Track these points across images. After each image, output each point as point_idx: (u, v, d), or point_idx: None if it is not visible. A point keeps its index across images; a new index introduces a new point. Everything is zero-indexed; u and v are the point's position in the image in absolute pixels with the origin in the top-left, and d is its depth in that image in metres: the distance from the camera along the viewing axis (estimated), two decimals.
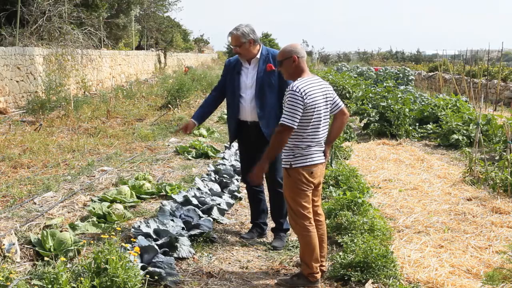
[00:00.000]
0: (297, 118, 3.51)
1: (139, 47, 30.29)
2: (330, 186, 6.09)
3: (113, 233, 4.17)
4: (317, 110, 3.60)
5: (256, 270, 4.10)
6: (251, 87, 4.39)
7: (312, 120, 3.60)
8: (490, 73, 19.66)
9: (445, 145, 9.69)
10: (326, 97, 3.71)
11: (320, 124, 3.66)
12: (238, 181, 6.29)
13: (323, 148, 3.76)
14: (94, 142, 8.97)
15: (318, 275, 3.76)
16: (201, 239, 4.55)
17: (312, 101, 3.56)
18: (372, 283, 3.71)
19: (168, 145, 9.17)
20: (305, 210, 3.70)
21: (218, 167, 6.73)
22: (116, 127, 10.66)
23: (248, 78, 4.42)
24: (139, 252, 3.65)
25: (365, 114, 11.26)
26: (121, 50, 24.36)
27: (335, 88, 17.17)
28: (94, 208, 4.95)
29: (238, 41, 4.33)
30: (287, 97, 3.53)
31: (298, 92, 3.50)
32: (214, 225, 4.97)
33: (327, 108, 3.72)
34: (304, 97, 3.50)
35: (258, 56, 4.41)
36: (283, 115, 3.53)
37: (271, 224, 4.84)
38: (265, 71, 4.35)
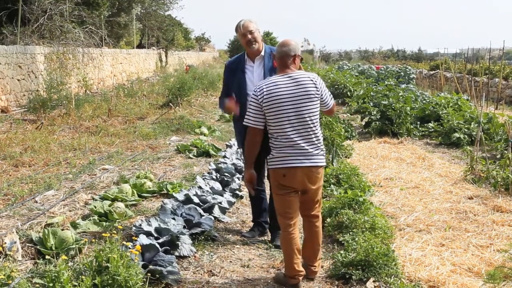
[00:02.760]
0: (252, 117, 3.55)
1: (140, 46, 30.28)
2: (331, 185, 6.08)
3: (115, 232, 4.16)
4: (281, 110, 3.48)
5: (257, 269, 4.10)
6: None
7: (276, 120, 3.50)
8: (492, 71, 19.63)
9: (446, 144, 9.69)
10: (299, 96, 3.51)
11: (286, 124, 3.49)
12: (239, 180, 6.30)
13: (304, 151, 3.52)
14: (96, 140, 8.97)
15: (295, 281, 3.67)
16: (203, 237, 4.56)
17: (272, 101, 3.48)
18: (373, 281, 3.71)
19: (169, 143, 9.17)
20: (281, 213, 3.67)
21: (219, 165, 6.73)
22: (117, 126, 10.67)
23: (255, 76, 4.37)
24: (141, 251, 3.66)
25: (367, 113, 11.26)
26: (122, 48, 24.36)
27: (336, 86, 17.16)
28: (95, 207, 4.95)
29: (253, 27, 4.33)
30: None
31: (255, 91, 3.57)
32: (215, 224, 4.97)
33: (301, 107, 3.50)
34: (259, 96, 3.52)
35: (262, 53, 4.38)
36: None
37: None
38: (271, 68, 4.30)
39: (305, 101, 3.53)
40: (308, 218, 3.79)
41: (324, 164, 3.70)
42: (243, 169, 5.00)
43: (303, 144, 3.53)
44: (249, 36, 4.32)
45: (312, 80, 3.59)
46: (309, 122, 3.54)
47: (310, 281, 3.84)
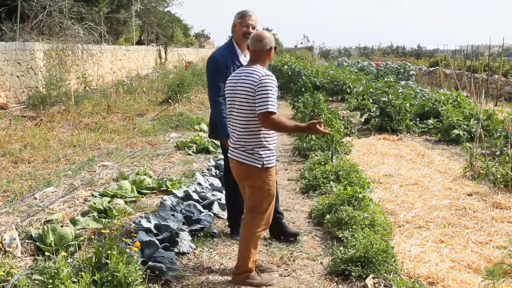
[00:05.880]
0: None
1: (139, 42, 30.26)
2: (331, 181, 6.09)
3: (114, 228, 4.17)
4: (227, 99, 3.66)
5: None
6: None
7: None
8: (491, 68, 19.63)
9: (445, 140, 9.68)
10: (236, 88, 3.53)
11: (229, 113, 3.65)
12: None
13: (233, 144, 3.60)
14: (95, 137, 8.97)
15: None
16: (202, 234, 4.56)
17: (226, 89, 3.68)
18: (373, 278, 3.71)
19: (169, 140, 9.17)
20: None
21: (219, 162, 6.73)
22: (116, 122, 10.66)
23: None
24: (140, 247, 3.66)
25: (366, 109, 11.26)
26: (121, 45, 24.35)
27: (335, 83, 17.13)
28: (94, 203, 4.96)
29: (257, 23, 4.26)
30: None
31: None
32: (214, 220, 4.97)
33: (234, 102, 3.53)
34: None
35: None
36: None
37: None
38: None
39: (239, 97, 3.50)
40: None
41: None
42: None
43: (233, 136, 3.67)
44: (251, 31, 4.13)
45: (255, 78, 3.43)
46: (243, 119, 3.49)
47: (309, 276, 3.85)
